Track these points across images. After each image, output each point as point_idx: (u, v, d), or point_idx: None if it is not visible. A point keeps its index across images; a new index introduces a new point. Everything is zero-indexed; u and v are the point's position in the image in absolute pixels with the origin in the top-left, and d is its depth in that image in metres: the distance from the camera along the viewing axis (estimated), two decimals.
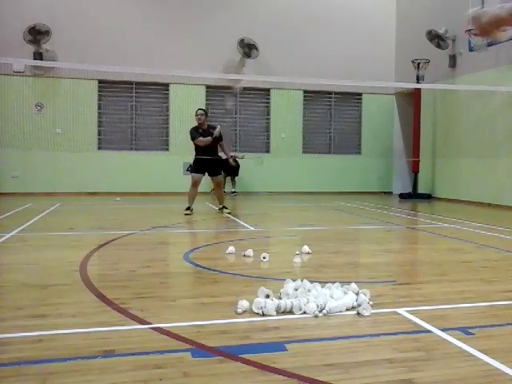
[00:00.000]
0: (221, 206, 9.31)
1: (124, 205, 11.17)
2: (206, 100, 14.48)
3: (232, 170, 13.57)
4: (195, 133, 8.92)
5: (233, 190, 13.95)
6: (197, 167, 8.99)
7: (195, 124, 9.04)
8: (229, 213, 9.11)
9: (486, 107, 11.87)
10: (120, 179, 13.61)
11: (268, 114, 15.10)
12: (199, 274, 4.46)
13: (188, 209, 8.95)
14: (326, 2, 15.06)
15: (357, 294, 3.44)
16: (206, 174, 9.11)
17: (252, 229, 7.37)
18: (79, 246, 5.66)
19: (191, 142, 9.04)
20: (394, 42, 15.78)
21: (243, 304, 3.21)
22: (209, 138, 8.76)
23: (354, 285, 3.58)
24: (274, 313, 3.15)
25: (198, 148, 8.95)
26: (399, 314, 3.22)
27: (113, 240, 6.10)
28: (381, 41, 15.51)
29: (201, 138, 8.81)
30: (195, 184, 9.00)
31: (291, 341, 2.73)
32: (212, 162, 8.96)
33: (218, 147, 9.12)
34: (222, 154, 9.34)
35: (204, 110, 9.25)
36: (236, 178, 14.03)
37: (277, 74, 13.25)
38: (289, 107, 14.83)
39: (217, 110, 14.68)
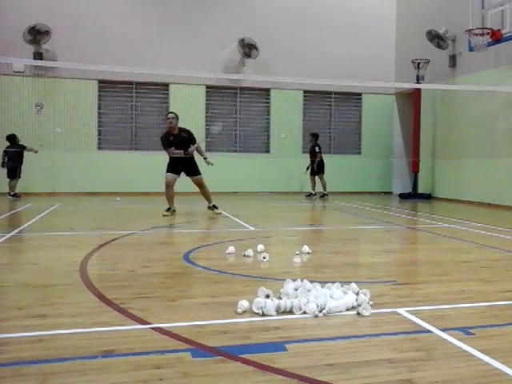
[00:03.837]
0: (210, 204, 9.10)
1: (124, 205, 11.17)
2: (206, 100, 14.48)
3: (316, 167, 13.45)
4: (166, 142, 8.76)
5: (324, 192, 13.61)
6: (170, 167, 8.78)
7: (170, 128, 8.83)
8: (219, 213, 8.97)
9: (486, 107, 11.87)
10: (120, 179, 13.60)
11: (268, 114, 15.10)
12: (199, 273, 4.46)
13: (168, 210, 8.79)
14: (326, 2, 15.06)
15: (357, 294, 3.44)
16: (183, 174, 8.95)
17: (252, 229, 7.37)
18: (79, 246, 5.67)
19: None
20: (394, 42, 15.78)
21: (243, 304, 3.21)
22: (181, 152, 8.62)
23: (353, 285, 3.58)
24: (274, 313, 3.15)
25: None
26: (399, 314, 3.22)
27: (113, 240, 6.10)
28: (381, 41, 15.51)
29: (173, 150, 8.68)
30: (168, 185, 8.77)
31: (291, 341, 2.73)
32: (186, 161, 8.78)
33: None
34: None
35: (175, 113, 8.93)
36: (320, 176, 13.67)
37: (277, 74, 13.25)
38: (289, 107, 14.82)
39: (216, 110, 14.69)
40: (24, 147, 12.25)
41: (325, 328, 2.97)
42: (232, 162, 13.96)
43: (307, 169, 13.68)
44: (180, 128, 8.89)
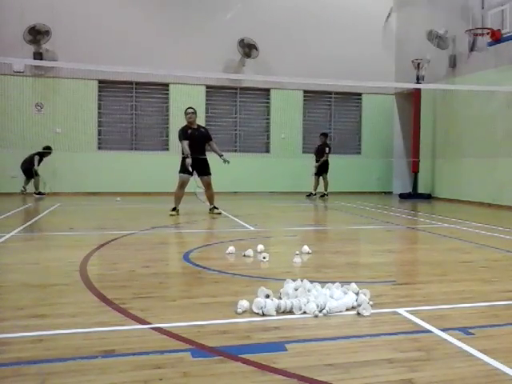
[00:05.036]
0: (211, 206, 9.13)
1: (124, 205, 11.17)
2: (206, 100, 14.48)
3: (321, 168, 13.60)
4: (184, 134, 8.82)
5: (325, 192, 13.72)
6: (185, 167, 8.76)
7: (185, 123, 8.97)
8: (219, 213, 8.99)
9: (486, 107, 11.87)
10: (120, 179, 13.60)
11: (268, 114, 15.10)
12: (199, 273, 4.46)
13: (174, 209, 8.80)
14: (326, 2, 15.05)
15: (357, 294, 3.44)
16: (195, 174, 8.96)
17: (252, 229, 7.37)
18: (79, 246, 5.66)
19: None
20: (394, 42, 15.78)
21: (243, 304, 3.21)
22: (188, 161, 8.58)
23: (353, 285, 3.58)
24: (274, 313, 3.15)
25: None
26: (399, 314, 3.22)
27: (113, 240, 6.10)
28: (381, 41, 15.51)
29: (185, 145, 8.67)
30: (182, 185, 8.81)
31: (291, 341, 2.73)
32: (200, 160, 8.81)
33: (207, 146, 9.03)
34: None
35: (193, 108, 9.03)
36: (324, 176, 13.76)
37: (277, 74, 13.26)
38: (289, 107, 14.82)
39: (217, 110, 14.69)
40: (32, 158, 12.59)
41: (325, 328, 2.97)
42: (232, 161, 13.91)
43: (316, 168, 13.74)
44: (198, 124, 9.02)
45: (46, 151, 12.61)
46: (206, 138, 8.97)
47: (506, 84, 10.73)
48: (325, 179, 13.76)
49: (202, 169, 8.88)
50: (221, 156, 8.98)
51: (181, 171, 8.81)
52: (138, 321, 3.04)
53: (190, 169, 8.62)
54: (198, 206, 9.69)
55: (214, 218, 8.68)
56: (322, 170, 13.70)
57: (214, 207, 9.11)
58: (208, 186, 8.99)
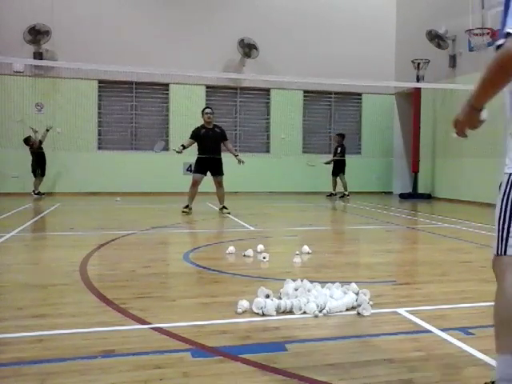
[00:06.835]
0: (221, 205, 9.25)
1: (124, 205, 11.16)
2: (206, 100, 14.46)
3: (337, 168, 13.70)
4: (194, 134, 9.02)
5: (345, 192, 13.76)
6: (198, 167, 9.02)
7: (200, 123, 9.13)
8: (228, 213, 9.05)
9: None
10: (120, 179, 13.60)
11: (268, 114, 15.10)
12: (199, 273, 4.46)
13: (186, 207, 9.00)
14: (326, 2, 15.05)
15: (357, 294, 3.44)
16: (208, 173, 9.13)
17: (252, 229, 7.37)
18: (79, 246, 5.66)
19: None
20: (394, 42, 15.78)
21: (243, 304, 3.21)
22: (178, 151, 8.85)
23: (353, 285, 3.58)
24: (274, 313, 3.15)
25: (200, 147, 9.00)
26: (399, 314, 3.22)
27: (113, 240, 6.10)
28: (381, 41, 15.51)
29: (182, 148, 8.86)
30: (195, 184, 9.04)
31: (291, 341, 2.73)
32: (214, 160, 8.99)
33: (222, 146, 9.17)
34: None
35: (211, 108, 9.30)
36: (341, 176, 13.85)
37: (277, 74, 13.26)
38: (289, 107, 14.82)
39: (216, 110, 14.66)
40: (28, 142, 12.37)
41: (325, 328, 2.97)
42: (232, 162, 13.93)
43: (328, 163, 13.88)
44: (215, 124, 9.21)
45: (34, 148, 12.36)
46: (221, 138, 9.12)
47: None
48: (342, 179, 13.86)
49: (216, 169, 9.06)
50: (236, 156, 9.17)
51: (194, 171, 9.05)
52: (137, 321, 3.04)
53: (180, 149, 8.82)
54: (198, 206, 9.70)
55: (213, 218, 8.68)
56: (338, 170, 13.82)
57: (224, 207, 9.20)
58: (220, 185, 9.16)
